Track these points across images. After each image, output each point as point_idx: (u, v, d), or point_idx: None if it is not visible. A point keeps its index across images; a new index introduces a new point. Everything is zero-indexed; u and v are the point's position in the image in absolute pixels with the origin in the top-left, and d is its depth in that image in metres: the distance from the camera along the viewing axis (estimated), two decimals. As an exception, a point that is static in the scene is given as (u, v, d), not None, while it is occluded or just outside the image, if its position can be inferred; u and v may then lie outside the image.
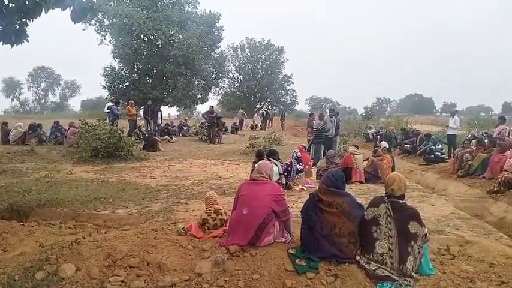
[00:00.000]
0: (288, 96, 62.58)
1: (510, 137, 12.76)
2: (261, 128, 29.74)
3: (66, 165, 11.04)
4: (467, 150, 10.90)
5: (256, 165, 4.43)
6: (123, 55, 32.12)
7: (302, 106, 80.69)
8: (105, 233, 5.15)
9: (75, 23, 5.02)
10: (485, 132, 15.11)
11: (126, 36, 31.21)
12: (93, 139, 11.83)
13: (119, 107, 19.23)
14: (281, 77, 60.98)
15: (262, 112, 33.23)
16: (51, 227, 5.67)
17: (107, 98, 34.39)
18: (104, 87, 33.90)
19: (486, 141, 10.93)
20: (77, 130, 13.72)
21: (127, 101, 25.65)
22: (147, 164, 11.78)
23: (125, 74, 34.18)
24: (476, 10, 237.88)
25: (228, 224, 4.38)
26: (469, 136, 14.63)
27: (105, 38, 32.73)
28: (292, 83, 61.67)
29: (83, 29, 31.51)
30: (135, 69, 34.29)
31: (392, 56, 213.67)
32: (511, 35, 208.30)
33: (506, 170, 8.68)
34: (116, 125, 14.39)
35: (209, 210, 4.66)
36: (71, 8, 4.83)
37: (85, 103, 68.54)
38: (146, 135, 16.70)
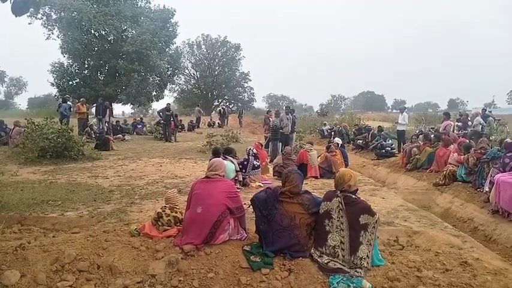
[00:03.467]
0: (245, 94, 62.53)
1: (454, 131, 13.55)
2: (218, 126, 29.58)
3: (12, 167, 10.42)
4: (415, 145, 11.42)
5: (209, 162, 4.39)
6: (72, 51, 30.84)
7: (260, 103, 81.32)
8: (53, 236, 4.90)
9: (16, 16, 4.73)
10: (432, 128, 15.90)
11: (75, 30, 29.98)
12: (40, 139, 11.24)
13: (67, 104, 18.38)
14: (238, 74, 60.83)
15: (220, 109, 33.05)
16: (-6, 232, 5.35)
17: (55, 95, 32.93)
18: (53, 84, 32.40)
19: (432, 136, 11.49)
20: (23, 129, 13.00)
21: (77, 98, 24.67)
22: (99, 163, 11.36)
23: (75, 70, 32.85)
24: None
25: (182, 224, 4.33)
26: (417, 131, 15.34)
27: (52, 33, 31.27)
28: (250, 80, 61.75)
29: (29, 23, 29.94)
30: (86, 66, 33.05)
31: (346, 54, 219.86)
32: (459, 36, 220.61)
33: (451, 163, 9.19)
34: (66, 124, 13.78)
35: (164, 206, 4.61)
36: (12, 0, 4.55)
37: (32, 101, 65.10)
38: (98, 134, 16.12)
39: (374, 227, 3.64)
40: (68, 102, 18.32)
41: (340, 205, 3.71)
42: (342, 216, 3.67)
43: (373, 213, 3.65)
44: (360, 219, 3.61)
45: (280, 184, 4.22)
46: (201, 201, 3.98)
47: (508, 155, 6.93)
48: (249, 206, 4.30)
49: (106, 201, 6.91)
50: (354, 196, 3.79)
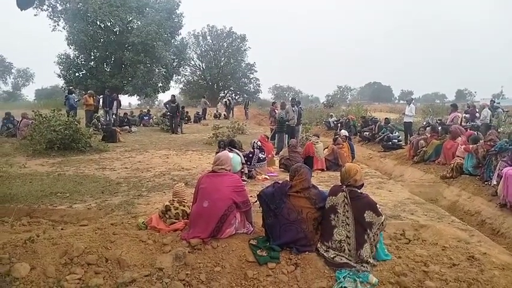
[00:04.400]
0: (251, 85, 62.35)
1: (462, 123, 13.42)
2: (224, 117, 29.57)
3: (20, 159, 10.53)
4: (422, 137, 11.34)
5: (215, 156, 4.40)
6: (78, 42, 30.80)
7: (266, 95, 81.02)
8: (62, 229, 4.97)
9: (21, 10, 4.74)
10: (439, 120, 15.76)
11: (81, 22, 29.93)
12: (47, 131, 11.31)
13: (75, 96, 18.50)
14: (244, 65, 60.60)
15: (225, 101, 32.99)
16: (3, 224, 5.40)
17: (62, 86, 33.04)
18: (59, 76, 32.45)
19: (439, 128, 11.39)
20: (31, 121, 13.09)
21: (84, 90, 24.73)
22: (107, 155, 11.43)
23: (81, 61, 32.86)
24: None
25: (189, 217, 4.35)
26: (424, 123, 15.22)
27: (58, 24, 31.20)
28: (256, 71, 61.49)
29: (35, 15, 29.83)
30: (92, 57, 33.01)
31: (353, 44, 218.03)
32: (467, 27, 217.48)
33: (458, 156, 9.12)
34: (73, 116, 13.85)
35: (172, 200, 4.65)
36: (17, -7, 4.54)
37: (40, 92, 65.36)
38: (105, 126, 16.19)
39: (379, 228, 3.62)
40: (74, 95, 18.41)
41: (345, 199, 3.70)
42: (347, 211, 3.67)
43: (378, 213, 3.63)
44: (365, 215, 3.60)
45: (287, 178, 4.22)
46: (208, 195, 3.99)
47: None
48: (256, 202, 4.31)
49: (113, 193, 6.97)
50: (359, 191, 3.78)
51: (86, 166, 9.65)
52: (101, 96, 20.25)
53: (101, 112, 18.88)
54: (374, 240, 3.61)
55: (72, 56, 32.50)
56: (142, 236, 4.13)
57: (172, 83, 41.06)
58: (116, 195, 6.79)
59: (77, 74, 32.38)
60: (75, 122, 11.99)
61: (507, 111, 17.64)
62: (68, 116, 12.80)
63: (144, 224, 4.46)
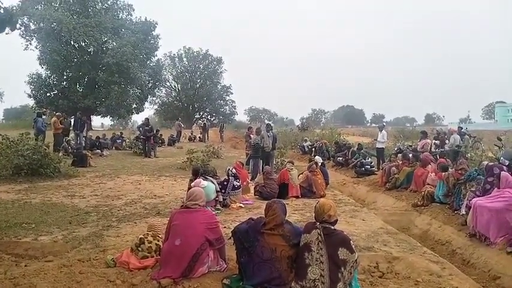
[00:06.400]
0: (227, 107, 62.57)
1: (432, 149, 13.81)
2: (199, 140, 29.37)
3: (-17, 185, 10.08)
4: (394, 164, 11.56)
5: (189, 192, 4.31)
6: (50, 62, 30.37)
7: (241, 116, 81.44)
8: (25, 266, 4.72)
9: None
10: (410, 146, 16.16)
11: (54, 42, 29.60)
12: (15, 156, 10.90)
13: (45, 118, 18.00)
14: (220, 87, 60.93)
15: (201, 123, 32.89)
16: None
17: (33, 106, 32.27)
18: (30, 96, 31.77)
19: (410, 155, 11.66)
20: (-3, 145, 12.59)
21: (55, 110, 24.18)
22: (76, 181, 11.08)
23: (53, 81, 32.35)
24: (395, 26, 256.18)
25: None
26: (396, 149, 15.56)
27: (31, 43, 30.78)
28: (232, 93, 61.90)
29: (6, 33, 28.95)
30: (65, 77, 32.59)
31: (327, 67, 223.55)
32: (432, 52, 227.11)
33: (429, 184, 9.32)
34: (42, 140, 13.44)
35: (147, 233, 4.54)
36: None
37: (9, 112, 63.58)
38: (75, 149, 15.75)
39: (353, 266, 3.60)
40: (44, 117, 17.92)
41: (319, 237, 3.68)
42: (321, 249, 3.63)
43: (352, 250, 3.61)
44: (338, 252, 3.57)
45: (263, 205, 4.17)
46: (180, 232, 3.89)
47: (488, 179, 6.96)
48: (230, 238, 4.23)
49: (82, 223, 6.72)
50: (332, 228, 3.76)
51: (53, 193, 9.30)
52: (72, 117, 19.81)
53: (71, 135, 18.39)
54: (348, 278, 3.58)
55: (43, 75, 32.00)
56: (110, 276, 3.96)
57: (147, 104, 40.88)
58: (84, 226, 6.54)
59: (48, 94, 31.81)
60: (44, 147, 11.61)
61: (474, 137, 18.29)
62: (36, 139, 12.39)
63: (112, 261, 4.29)
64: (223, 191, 8.12)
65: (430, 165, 10.07)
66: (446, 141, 14.75)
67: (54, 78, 32.42)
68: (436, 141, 14.86)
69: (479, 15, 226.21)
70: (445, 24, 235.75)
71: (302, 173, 10.41)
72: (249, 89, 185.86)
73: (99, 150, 18.36)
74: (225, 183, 8.28)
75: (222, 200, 7.96)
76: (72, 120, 18.95)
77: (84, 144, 17.61)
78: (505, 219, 5.93)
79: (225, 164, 12.15)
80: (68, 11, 30.20)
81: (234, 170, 8.71)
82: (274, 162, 13.63)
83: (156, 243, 4.40)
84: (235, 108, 63.26)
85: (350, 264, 3.57)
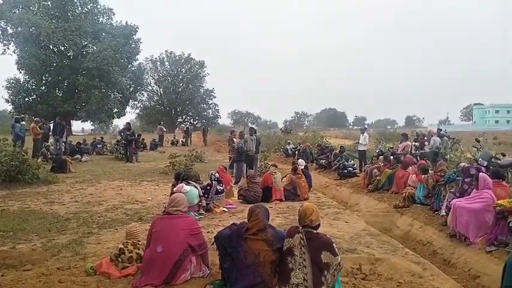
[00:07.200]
0: (210, 110, 62.48)
1: (412, 151, 14.03)
2: (182, 144, 29.14)
3: (-41, 193, 9.78)
4: (375, 166, 11.71)
5: (171, 198, 4.26)
6: (29, 66, 29.83)
7: (225, 120, 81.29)
8: (2, 275, 4.59)
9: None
10: (391, 148, 16.37)
11: (32, 46, 29.10)
12: (-9, 162, 10.62)
13: (24, 124, 17.61)
14: (203, 91, 60.75)
15: (184, 127, 32.67)
16: None
17: (10, 112, 31.59)
18: (7, 101, 31.12)
19: (391, 157, 11.82)
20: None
21: (34, 115, 23.71)
22: (56, 188, 10.84)
23: (32, 86, 31.76)
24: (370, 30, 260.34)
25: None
26: (377, 151, 15.74)
27: (8, 48, 30.20)
28: (214, 97, 61.83)
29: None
30: (43, 82, 32.04)
31: (310, 70, 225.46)
32: (413, 54, 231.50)
33: (410, 185, 9.45)
34: (20, 146, 13.12)
35: (126, 242, 4.43)
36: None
37: (-15, 117, 61.91)
38: (54, 155, 15.43)
39: (336, 269, 3.61)
40: (23, 122, 17.53)
41: (302, 241, 3.68)
42: (304, 253, 3.63)
43: (335, 253, 3.62)
44: (321, 256, 3.58)
45: (246, 209, 4.15)
46: (162, 239, 3.83)
47: (466, 180, 7.14)
48: (213, 244, 4.19)
49: (61, 231, 6.57)
50: (315, 231, 3.77)
51: (32, 200, 9.08)
52: (52, 122, 19.44)
53: (50, 141, 18.02)
54: (331, 281, 3.59)
55: (22, 80, 31.41)
56: (90, 284, 3.88)
57: (128, 109, 40.46)
58: (64, 233, 6.39)
59: (26, 99, 31.23)
60: (22, 153, 11.33)
61: (453, 138, 18.63)
62: (14, 145, 12.09)
63: (92, 269, 4.20)
64: (206, 195, 8.06)
65: (410, 167, 10.22)
66: (426, 143, 15.01)
67: (32, 83, 31.82)
68: (415, 143, 15.11)
69: (459, 16, 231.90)
70: (424, 26, 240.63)
71: (286, 176, 10.44)
72: (233, 92, 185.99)
73: (79, 156, 18.02)
74: (208, 187, 8.23)
75: (205, 204, 7.90)
76: (52, 126, 18.57)
77: (64, 150, 17.27)
78: (484, 220, 6.07)
79: (208, 168, 12.06)
80: (47, 15, 29.74)
81: (217, 175, 8.66)
82: (258, 166, 13.62)
83: (136, 252, 4.32)
84: (218, 112, 63.37)
85: (333, 267, 3.58)
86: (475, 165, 8.53)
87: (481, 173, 6.70)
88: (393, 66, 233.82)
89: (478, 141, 15.37)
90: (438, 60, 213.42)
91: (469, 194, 6.73)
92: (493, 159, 10.50)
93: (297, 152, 20.29)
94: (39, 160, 13.31)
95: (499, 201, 5.84)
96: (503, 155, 11.61)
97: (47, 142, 17.29)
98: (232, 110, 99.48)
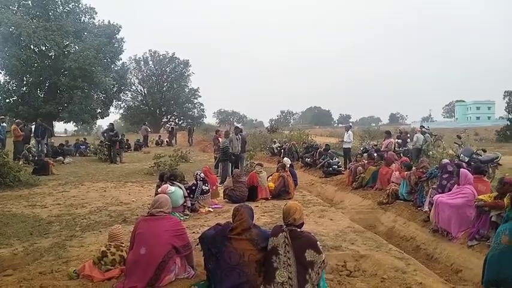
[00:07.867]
0: (195, 110, 62.05)
1: (395, 148, 14.21)
2: (167, 144, 28.90)
3: None
4: (360, 163, 11.81)
5: (154, 199, 4.22)
6: (9, 67, 29.26)
7: (210, 119, 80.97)
8: (-18, 281, 4.49)
9: None
10: (375, 145, 16.54)
11: (12, 46, 28.53)
12: (-29, 165, 10.38)
13: (5, 126, 17.23)
14: (187, 90, 60.34)
15: (169, 127, 32.38)
16: None
17: (-10, 114, 30.96)
18: (-13, 103, 30.37)
19: (375, 154, 11.94)
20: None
21: (15, 117, 23.26)
22: (38, 190, 10.65)
23: (12, 87, 31.19)
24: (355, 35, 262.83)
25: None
26: (361, 149, 15.90)
27: (-12, 49, 29.44)
28: (199, 96, 61.44)
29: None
30: (24, 82, 31.46)
31: (294, 69, 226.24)
32: (396, 52, 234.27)
33: (393, 182, 9.56)
34: (1, 149, 12.85)
35: (109, 244, 4.38)
36: None
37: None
38: (36, 157, 15.15)
39: (320, 267, 3.63)
40: (3, 124, 17.17)
41: (286, 240, 3.69)
42: (288, 252, 3.64)
43: (319, 251, 3.64)
44: (305, 254, 3.59)
45: (232, 209, 4.14)
46: (145, 241, 3.80)
47: (444, 176, 7.30)
48: (197, 244, 4.17)
49: (44, 234, 6.47)
50: (299, 230, 3.79)
51: (13, 203, 8.90)
52: (33, 124, 19.08)
53: (32, 142, 17.69)
54: (316, 279, 3.60)
55: (2, 81, 30.94)
56: (73, 288, 3.83)
57: (112, 109, 40.00)
58: (46, 237, 6.30)
59: (7, 100, 30.64)
60: (3, 155, 11.09)
61: (435, 135, 18.93)
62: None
63: (75, 273, 4.14)
64: (191, 195, 8.03)
65: (394, 164, 10.34)
66: (409, 140, 15.23)
67: (13, 83, 31.24)
68: (398, 140, 15.31)
69: (442, 14, 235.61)
70: (405, 26, 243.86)
71: (271, 175, 10.47)
72: (218, 91, 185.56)
73: (61, 158, 17.73)
74: (194, 187, 8.20)
75: (190, 205, 7.86)
76: (33, 127, 18.23)
77: (46, 152, 16.97)
78: (465, 215, 6.19)
79: (193, 168, 12.01)
80: (27, 14, 29.23)
81: (202, 175, 8.63)
82: (244, 165, 13.61)
83: (120, 255, 4.28)
84: (203, 111, 62.91)
85: (317, 265, 3.60)
86: (456, 161, 8.69)
87: (462, 169, 6.83)
88: (377, 65, 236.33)
89: (459, 137, 15.67)
90: (420, 59, 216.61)
91: (449, 190, 6.85)
92: (474, 155, 10.71)
93: (282, 150, 20.35)
94: (21, 162, 13.04)
95: (480, 196, 5.97)
96: (484, 151, 11.84)
97: (29, 144, 16.99)
98: (218, 109, 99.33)
